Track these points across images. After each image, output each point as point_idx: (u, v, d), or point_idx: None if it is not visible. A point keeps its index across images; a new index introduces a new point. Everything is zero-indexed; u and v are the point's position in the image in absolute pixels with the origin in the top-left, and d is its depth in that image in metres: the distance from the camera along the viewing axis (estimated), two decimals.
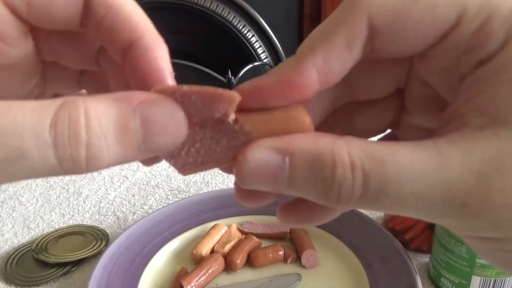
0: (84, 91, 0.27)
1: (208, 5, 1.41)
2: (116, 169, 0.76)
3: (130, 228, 0.55)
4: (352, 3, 0.19)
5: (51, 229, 0.62)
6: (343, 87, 0.23)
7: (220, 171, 0.22)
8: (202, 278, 0.48)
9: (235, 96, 0.19)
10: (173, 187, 0.71)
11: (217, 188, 0.70)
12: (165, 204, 0.65)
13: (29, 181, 0.74)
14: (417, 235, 0.55)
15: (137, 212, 0.65)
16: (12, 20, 0.22)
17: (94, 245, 0.57)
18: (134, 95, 0.18)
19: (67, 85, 0.27)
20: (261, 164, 0.18)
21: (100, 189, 0.71)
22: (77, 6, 0.22)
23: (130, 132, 0.18)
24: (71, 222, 0.64)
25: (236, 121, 0.19)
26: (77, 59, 0.25)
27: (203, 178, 0.72)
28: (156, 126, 0.18)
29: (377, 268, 0.49)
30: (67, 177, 0.74)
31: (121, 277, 0.49)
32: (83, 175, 0.75)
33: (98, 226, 0.62)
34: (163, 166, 0.76)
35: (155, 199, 0.68)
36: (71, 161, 0.17)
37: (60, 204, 0.68)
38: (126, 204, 0.67)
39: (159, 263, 0.53)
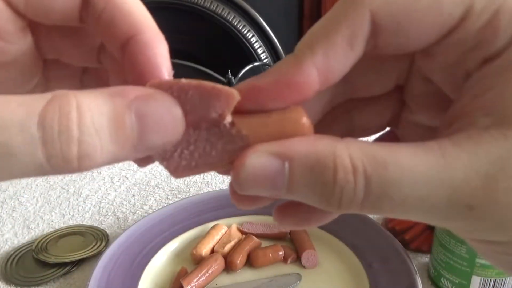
0: None
1: (208, 5, 1.41)
2: (116, 169, 0.76)
3: (130, 228, 0.55)
4: None
5: (51, 229, 0.62)
6: (342, 84, 0.22)
7: None
8: (202, 278, 0.48)
9: (233, 93, 0.18)
10: (173, 187, 0.71)
11: (217, 188, 0.70)
12: (165, 204, 0.65)
13: (29, 181, 0.74)
14: (417, 235, 0.55)
15: (137, 212, 0.65)
16: (9, 14, 0.21)
17: (94, 245, 0.57)
18: (129, 90, 0.17)
19: (69, 84, 0.26)
20: (259, 170, 0.18)
21: (100, 189, 0.71)
22: (75, 0, 0.22)
23: (125, 128, 0.17)
24: (71, 222, 0.64)
25: (232, 124, 0.19)
26: (78, 56, 0.25)
27: (203, 178, 0.72)
28: (152, 123, 0.17)
29: (377, 268, 0.49)
30: (67, 177, 0.74)
31: (121, 277, 0.49)
32: (83, 175, 0.75)
33: (98, 226, 0.62)
34: None
35: (155, 199, 0.68)
36: (61, 158, 0.16)
37: (60, 204, 0.68)
38: (126, 204, 0.67)
39: (159, 263, 0.53)
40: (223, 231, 0.56)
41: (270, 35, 1.44)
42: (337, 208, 0.17)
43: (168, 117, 0.18)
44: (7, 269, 0.55)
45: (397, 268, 0.48)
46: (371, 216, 0.57)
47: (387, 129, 0.25)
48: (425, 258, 0.54)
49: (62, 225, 0.63)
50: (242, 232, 0.56)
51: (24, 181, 0.74)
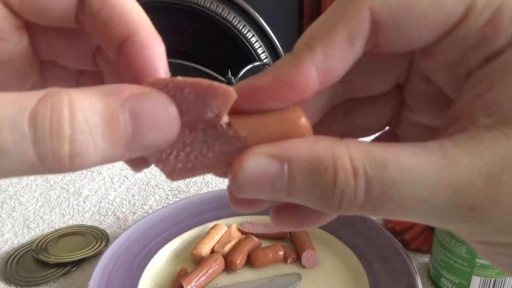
0: None
1: (208, 5, 1.41)
2: (116, 169, 0.76)
3: (130, 228, 0.55)
4: None
5: (51, 229, 0.62)
6: (341, 83, 0.21)
7: None
8: (202, 278, 0.48)
9: (231, 91, 0.18)
10: (173, 187, 0.71)
11: (217, 188, 0.70)
12: (165, 204, 0.65)
13: (29, 181, 0.74)
14: (417, 235, 0.55)
15: (137, 212, 0.65)
16: (4, 13, 0.21)
17: (94, 245, 0.57)
18: (123, 88, 0.17)
19: (67, 85, 0.26)
20: (257, 173, 0.17)
21: (100, 189, 0.71)
22: (71, 0, 0.21)
23: (119, 127, 0.16)
24: (71, 222, 0.64)
25: (229, 125, 0.18)
26: (74, 58, 0.24)
27: (203, 178, 0.72)
28: (147, 121, 0.17)
29: (377, 268, 0.49)
30: (67, 177, 0.74)
31: (121, 277, 0.49)
32: (83, 175, 0.75)
33: (98, 226, 0.62)
34: None
35: (155, 199, 0.68)
36: (52, 157, 0.16)
37: (60, 204, 0.68)
38: (126, 204, 0.67)
39: (159, 263, 0.53)
40: (223, 231, 0.56)
41: (270, 35, 1.44)
42: (337, 210, 0.17)
43: (163, 116, 0.17)
44: (7, 269, 0.55)
45: (397, 268, 0.48)
46: (371, 216, 0.57)
47: (386, 128, 0.25)
48: (425, 258, 0.54)
49: (62, 225, 0.63)
50: (242, 232, 0.56)
51: (24, 181, 0.74)
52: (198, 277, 0.48)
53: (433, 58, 0.19)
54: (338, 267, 0.51)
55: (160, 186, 0.71)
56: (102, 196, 0.69)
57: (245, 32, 1.43)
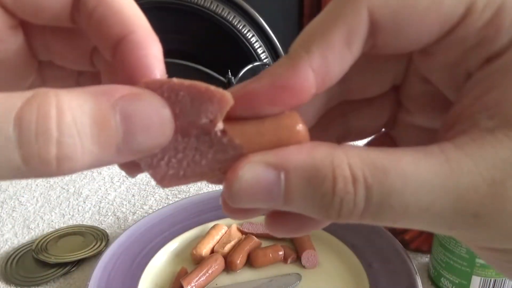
0: None
1: (208, 5, 1.40)
2: (116, 169, 0.76)
3: (130, 228, 0.55)
4: None
5: (51, 229, 0.62)
6: (337, 86, 0.21)
7: None
8: (202, 278, 0.48)
9: (227, 97, 0.17)
10: (173, 187, 0.71)
11: (217, 188, 0.70)
12: (165, 204, 0.65)
13: (29, 181, 0.74)
14: (417, 235, 0.54)
15: (137, 212, 0.65)
16: None
17: (94, 245, 0.57)
18: (115, 89, 0.16)
19: (66, 85, 0.26)
20: (253, 182, 0.17)
21: (100, 189, 0.71)
22: None
23: (109, 129, 0.16)
24: (71, 222, 0.64)
25: (224, 132, 0.18)
26: (71, 58, 0.24)
27: None
28: (139, 123, 0.16)
29: (377, 268, 0.49)
30: (67, 177, 0.74)
31: (121, 277, 0.49)
32: (83, 175, 0.75)
33: (98, 226, 0.62)
34: None
35: (155, 199, 0.68)
36: (38, 160, 0.15)
37: (60, 204, 0.68)
38: (126, 204, 0.67)
39: (159, 263, 0.53)
40: (223, 231, 0.56)
41: (270, 35, 1.44)
42: (336, 219, 0.17)
43: (156, 118, 0.17)
44: (7, 269, 0.55)
45: (397, 268, 0.48)
46: None
47: (382, 130, 0.24)
48: (425, 258, 0.54)
49: (62, 225, 0.63)
50: (242, 232, 0.56)
51: (24, 181, 0.74)
52: (198, 277, 0.48)
53: (432, 58, 0.19)
54: (338, 267, 0.51)
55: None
56: (102, 196, 0.69)
57: (245, 32, 1.43)
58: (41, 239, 0.58)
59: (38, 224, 0.64)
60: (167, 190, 0.70)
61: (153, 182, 0.72)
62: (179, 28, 1.42)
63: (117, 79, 0.20)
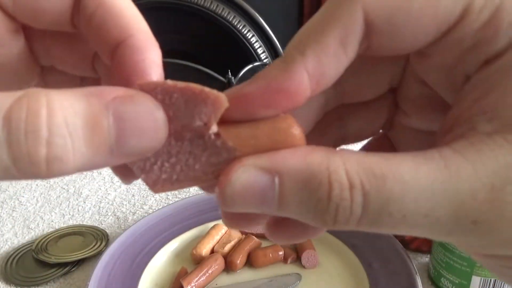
0: None
1: (208, 5, 1.40)
2: None
3: (130, 228, 0.55)
4: None
5: (51, 229, 0.62)
6: (333, 89, 0.21)
7: None
8: (202, 278, 0.48)
9: (222, 99, 0.17)
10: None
11: None
12: (165, 204, 0.65)
13: (29, 181, 0.74)
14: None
15: (137, 212, 0.65)
16: None
17: (94, 245, 0.57)
18: (108, 90, 0.16)
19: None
20: (246, 186, 0.16)
21: (100, 189, 0.71)
22: (66, 2, 0.20)
23: (101, 131, 0.15)
24: (71, 222, 0.64)
25: (218, 135, 0.17)
26: (72, 63, 0.24)
27: None
28: (132, 125, 0.16)
29: (377, 268, 0.49)
30: (67, 177, 0.74)
31: (121, 277, 0.49)
32: (83, 175, 0.75)
33: (98, 226, 0.62)
34: None
35: (155, 199, 0.68)
36: (27, 161, 0.14)
37: (60, 204, 0.68)
38: (126, 204, 0.67)
39: (159, 263, 0.53)
40: (223, 231, 0.56)
41: (270, 35, 1.44)
42: (332, 226, 0.16)
43: (149, 121, 0.16)
44: (7, 269, 0.55)
45: (397, 268, 0.48)
46: None
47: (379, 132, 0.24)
48: (425, 258, 0.54)
49: (62, 225, 0.63)
50: (242, 232, 0.56)
51: (24, 181, 0.74)
52: (198, 277, 0.48)
53: (429, 60, 0.18)
54: (338, 267, 0.51)
55: None
56: (102, 196, 0.69)
57: (245, 32, 1.43)
58: (41, 239, 0.58)
59: (38, 224, 0.64)
60: None
61: None
62: (179, 28, 1.42)
63: (115, 83, 0.20)
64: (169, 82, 0.17)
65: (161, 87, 0.17)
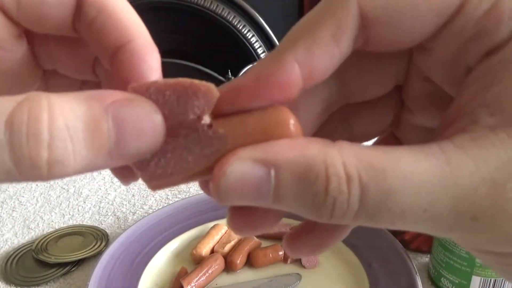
0: None
1: (208, 5, 1.40)
2: None
3: (130, 228, 0.55)
4: None
5: (51, 229, 0.62)
6: (337, 88, 0.21)
7: None
8: (202, 278, 0.48)
9: (212, 89, 0.17)
10: (173, 187, 0.71)
11: None
12: (165, 204, 0.65)
13: None
14: (417, 235, 0.54)
15: (137, 212, 0.65)
16: (2, 20, 0.21)
17: (94, 245, 0.57)
18: (107, 94, 0.16)
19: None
20: (241, 179, 0.16)
21: (100, 189, 0.71)
22: (68, 7, 0.21)
23: (101, 134, 0.16)
24: (71, 222, 0.64)
25: (210, 126, 0.17)
26: (73, 67, 0.24)
27: None
28: (131, 128, 0.16)
29: (377, 268, 0.49)
30: (67, 178, 0.74)
31: (121, 277, 0.49)
32: (83, 175, 0.75)
33: (98, 226, 0.62)
34: None
35: (155, 199, 0.68)
36: (29, 163, 0.15)
37: (60, 204, 0.68)
38: (126, 204, 0.67)
39: (159, 263, 0.53)
40: (223, 231, 0.56)
41: (270, 35, 1.44)
42: (329, 220, 0.16)
43: (148, 123, 0.17)
44: (7, 269, 0.55)
45: (397, 268, 0.48)
46: None
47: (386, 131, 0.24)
48: (425, 258, 0.54)
49: (62, 225, 0.63)
50: None
51: None
52: (198, 277, 0.48)
53: (431, 54, 0.18)
54: (338, 267, 0.51)
55: None
56: (102, 196, 0.69)
57: (245, 32, 1.43)
58: (41, 239, 0.58)
59: (38, 224, 0.64)
60: (167, 190, 0.70)
61: None
62: (179, 28, 1.42)
63: (115, 87, 0.20)
64: (160, 80, 0.17)
65: (153, 87, 0.17)
